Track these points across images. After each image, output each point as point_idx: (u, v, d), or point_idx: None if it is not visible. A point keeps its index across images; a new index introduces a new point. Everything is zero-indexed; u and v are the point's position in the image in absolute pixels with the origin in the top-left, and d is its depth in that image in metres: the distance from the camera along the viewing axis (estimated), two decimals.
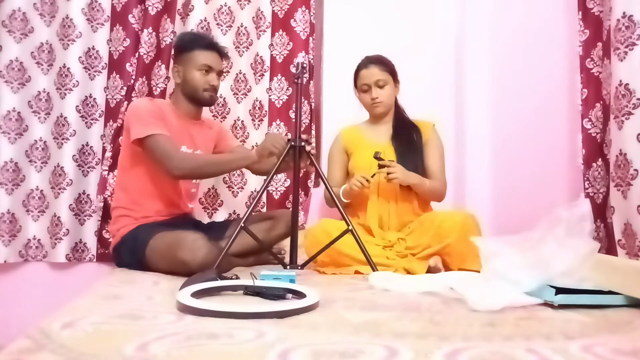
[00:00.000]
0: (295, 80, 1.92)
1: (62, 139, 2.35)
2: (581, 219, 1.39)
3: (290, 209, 2.00)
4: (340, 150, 2.28)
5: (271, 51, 2.54)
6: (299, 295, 1.31)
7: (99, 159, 2.41)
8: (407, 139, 2.20)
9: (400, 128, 2.23)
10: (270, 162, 2.02)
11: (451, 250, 1.88)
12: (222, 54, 2.09)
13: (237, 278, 1.49)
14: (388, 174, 2.00)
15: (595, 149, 2.16)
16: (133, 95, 2.35)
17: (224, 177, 2.49)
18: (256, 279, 1.43)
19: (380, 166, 2.01)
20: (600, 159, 2.15)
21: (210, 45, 2.04)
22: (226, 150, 2.20)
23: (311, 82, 2.54)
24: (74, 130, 2.35)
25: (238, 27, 2.52)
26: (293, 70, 2.46)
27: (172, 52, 2.13)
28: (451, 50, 2.75)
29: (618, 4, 1.89)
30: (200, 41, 2.04)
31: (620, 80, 1.87)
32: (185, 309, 1.15)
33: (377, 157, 2.01)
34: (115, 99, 2.42)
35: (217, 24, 2.49)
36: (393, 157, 2.15)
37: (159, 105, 1.99)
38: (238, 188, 2.51)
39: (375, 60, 2.20)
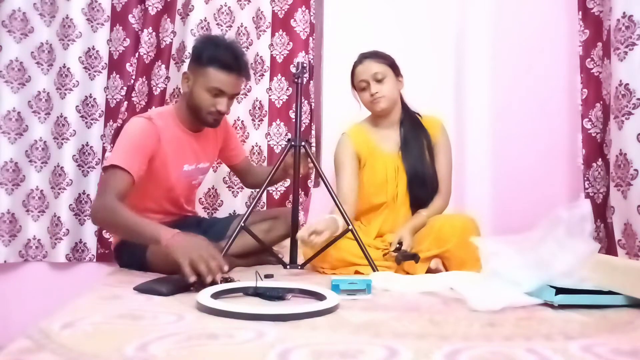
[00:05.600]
0: (295, 80, 1.92)
1: (62, 139, 2.35)
2: (582, 219, 1.39)
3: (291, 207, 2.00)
4: (352, 155, 2.09)
5: (271, 51, 2.54)
6: (318, 296, 1.32)
7: (99, 159, 2.41)
8: (416, 149, 2.08)
9: (409, 135, 2.10)
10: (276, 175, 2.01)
11: (450, 255, 1.86)
12: (242, 74, 1.87)
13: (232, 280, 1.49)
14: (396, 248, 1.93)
15: (595, 149, 2.17)
16: (133, 95, 2.35)
17: (224, 177, 2.49)
18: (261, 279, 1.44)
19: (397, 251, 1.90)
20: (600, 159, 2.15)
21: (229, 66, 1.81)
22: (233, 160, 2.17)
23: (311, 82, 2.54)
24: (74, 130, 2.35)
25: (238, 27, 2.52)
26: (293, 70, 2.46)
27: (191, 54, 1.92)
28: (451, 50, 2.75)
29: (618, 4, 1.90)
30: (219, 58, 1.79)
31: (620, 80, 1.88)
32: (210, 311, 1.15)
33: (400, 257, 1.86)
34: (115, 99, 2.42)
35: (217, 24, 2.49)
36: (401, 167, 2.07)
37: (156, 128, 1.81)
38: (238, 188, 2.51)
39: (370, 54, 2.07)
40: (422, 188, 2.07)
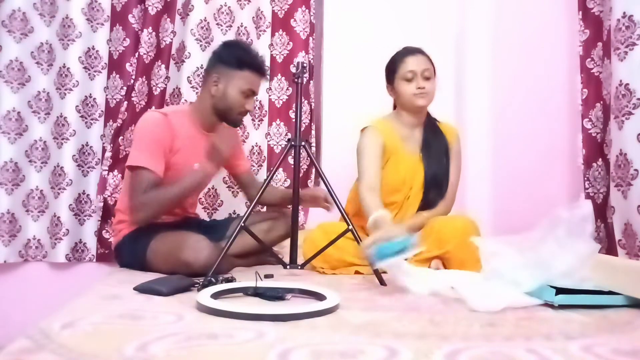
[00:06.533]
0: (295, 80, 1.92)
1: (62, 139, 2.35)
2: (582, 219, 1.39)
3: (290, 209, 2.00)
4: (380, 145, 1.99)
5: (271, 51, 2.54)
6: (318, 296, 1.32)
7: (98, 159, 2.41)
8: (437, 152, 2.08)
9: (430, 139, 2.09)
10: (274, 194, 2.16)
11: (450, 256, 1.86)
12: (266, 77, 2.04)
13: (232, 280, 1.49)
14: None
15: (596, 149, 2.17)
16: (133, 95, 2.35)
17: (224, 177, 2.49)
18: (261, 279, 1.44)
19: None
20: (600, 159, 2.16)
21: (260, 68, 1.96)
22: (236, 169, 2.18)
23: (311, 82, 2.54)
24: (73, 130, 2.35)
25: (238, 27, 2.52)
26: (293, 70, 2.46)
27: (213, 58, 1.97)
28: (451, 50, 2.75)
29: (618, 4, 1.90)
30: (254, 63, 1.93)
31: (621, 80, 1.88)
32: (210, 311, 1.15)
33: None
34: (115, 99, 2.42)
35: (217, 24, 2.49)
36: (421, 173, 2.05)
37: (170, 125, 1.88)
38: (238, 188, 2.50)
39: (421, 50, 2.04)
40: (438, 191, 2.06)
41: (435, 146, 2.08)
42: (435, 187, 2.06)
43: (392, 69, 2.05)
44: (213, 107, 1.95)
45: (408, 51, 2.03)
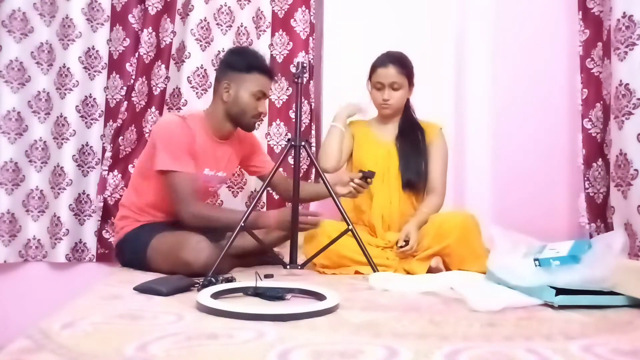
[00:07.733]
0: (295, 80, 1.92)
1: (62, 139, 2.35)
2: (608, 247, 1.36)
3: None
4: (349, 133, 2.23)
5: (271, 51, 2.53)
6: (318, 296, 1.32)
7: (98, 159, 2.41)
8: (412, 140, 2.18)
9: (406, 128, 2.21)
10: (307, 190, 2.14)
11: (451, 251, 1.88)
12: (274, 79, 2.05)
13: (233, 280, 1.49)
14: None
15: (596, 149, 2.17)
16: (133, 95, 2.35)
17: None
18: (261, 279, 1.44)
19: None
20: (600, 159, 2.16)
21: (269, 71, 1.99)
22: (260, 169, 2.19)
23: (311, 82, 2.54)
24: (73, 130, 2.35)
25: (238, 27, 2.52)
26: (293, 70, 2.46)
27: (222, 66, 2.01)
28: (451, 50, 2.75)
29: (618, 4, 1.90)
30: (261, 65, 1.97)
31: (621, 80, 1.88)
32: (210, 311, 1.15)
33: (367, 177, 1.95)
34: (115, 99, 2.42)
35: (217, 24, 2.49)
36: (396, 156, 2.15)
37: (190, 128, 1.91)
38: (238, 188, 2.51)
39: (396, 60, 2.13)
40: (413, 172, 2.13)
41: (409, 132, 2.20)
42: (410, 166, 2.14)
43: (369, 73, 2.19)
44: (226, 113, 1.97)
45: (381, 61, 2.15)
